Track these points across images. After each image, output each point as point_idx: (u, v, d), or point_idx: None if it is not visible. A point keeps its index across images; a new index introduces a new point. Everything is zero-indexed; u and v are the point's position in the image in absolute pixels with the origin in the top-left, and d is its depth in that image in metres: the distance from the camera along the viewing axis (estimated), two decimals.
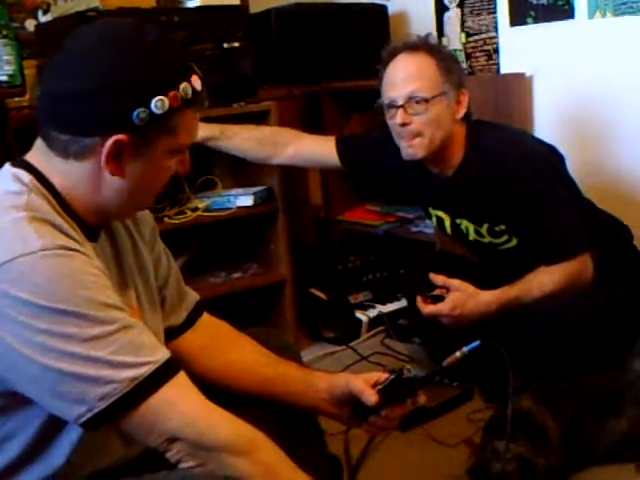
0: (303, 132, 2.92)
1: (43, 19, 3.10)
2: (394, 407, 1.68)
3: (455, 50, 3.63)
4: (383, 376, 1.69)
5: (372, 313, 3.36)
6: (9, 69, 2.74)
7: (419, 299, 2.45)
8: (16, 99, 2.85)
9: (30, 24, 3.11)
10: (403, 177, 2.67)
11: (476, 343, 1.65)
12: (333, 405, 1.74)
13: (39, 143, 1.44)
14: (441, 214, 2.65)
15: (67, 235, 1.35)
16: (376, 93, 3.61)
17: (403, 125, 2.42)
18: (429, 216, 2.75)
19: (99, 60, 1.36)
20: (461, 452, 2.27)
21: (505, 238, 2.47)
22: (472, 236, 2.56)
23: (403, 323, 3.27)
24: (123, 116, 1.34)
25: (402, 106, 2.41)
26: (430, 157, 2.47)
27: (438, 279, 2.42)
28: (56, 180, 1.41)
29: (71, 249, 1.31)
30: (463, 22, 3.60)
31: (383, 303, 3.42)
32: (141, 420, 1.33)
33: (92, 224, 1.46)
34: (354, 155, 2.79)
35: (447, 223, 2.64)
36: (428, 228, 3.41)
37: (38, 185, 1.39)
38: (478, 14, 3.52)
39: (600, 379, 2.19)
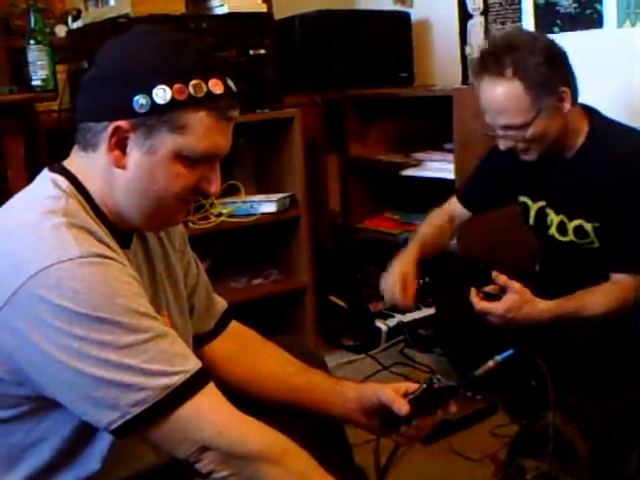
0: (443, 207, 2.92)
1: (73, 25, 3.10)
2: (425, 417, 1.67)
3: None
4: (412, 386, 1.67)
5: (392, 322, 3.35)
6: (43, 74, 2.76)
7: (473, 292, 2.41)
8: (45, 103, 2.87)
9: (60, 30, 3.12)
10: (513, 172, 2.63)
11: (509, 352, 1.61)
12: (362, 415, 1.72)
13: (75, 148, 1.45)
14: (529, 202, 2.62)
15: (103, 242, 1.35)
16: (397, 100, 3.64)
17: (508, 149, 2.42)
18: (515, 201, 2.71)
19: (114, 51, 1.41)
20: (484, 467, 2.25)
21: (589, 240, 2.45)
22: (552, 230, 2.53)
23: (423, 333, 3.26)
24: (125, 101, 1.34)
25: (501, 136, 2.40)
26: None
27: (500, 278, 2.38)
28: (90, 184, 1.42)
29: (107, 257, 1.32)
30: (487, 30, 3.59)
31: (402, 313, 3.39)
32: (172, 429, 1.32)
33: (124, 230, 1.46)
34: (472, 198, 2.81)
35: (532, 212, 2.61)
36: None
37: (74, 191, 1.40)
38: (503, 22, 3.50)
39: (630, 398, 2.17)
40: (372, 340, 3.29)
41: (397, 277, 2.64)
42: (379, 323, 3.34)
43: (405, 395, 1.66)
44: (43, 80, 2.77)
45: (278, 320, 3.27)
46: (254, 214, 3.08)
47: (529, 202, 2.61)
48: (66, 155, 1.48)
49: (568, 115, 2.39)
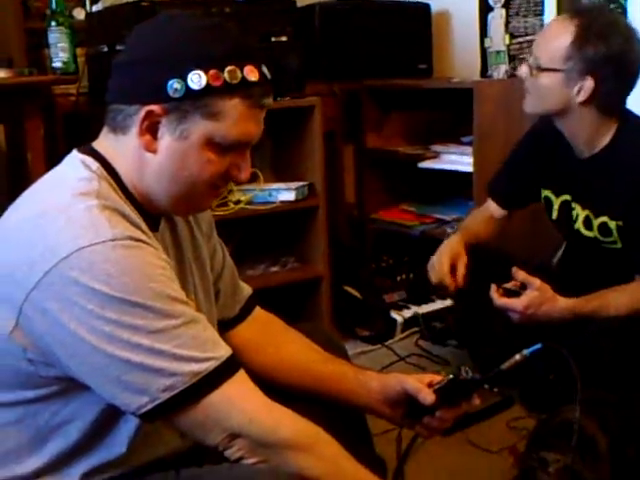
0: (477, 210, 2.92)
1: (92, 8, 3.10)
2: (448, 409, 1.66)
3: (498, 51, 3.62)
4: (437, 377, 1.67)
5: (407, 313, 3.35)
6: (63, 56, 2.76)
7: (493, 288, 2.41)
8: (62, 87, 2.86)
9: (78, 13, 3.12)
10: (536, 165, 2.63)
11: (538, 346, 1.60)
12: (385, 405, 1.71)
13: (104, 130, 1.45)
14: (551, 195, 2.60)
15: (135, 225, 1.35)
16: (416, 91, 3.63)
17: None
18: (538, 196, 2.68)
19: (149, 34, 1.41)
20: (501, 459, 2.25)
21: (612, 239, 2.42)
22: (578, 225, 2.51)
23: (438, 326, 3.26)
24: (159, 85, 1.33)
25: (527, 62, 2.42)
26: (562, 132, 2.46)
27: (519, 274, 2.37)
28: (119, 166, 1.41)
29: (141, 240, 1.32)
30: (508, 23, 3.57)
31: (418, 304, 3.41)
32: (202, 416, 1.32)
33: (153, 213, 1.45)
34: (503, 195, 2.78)
35: (555, 206, 2.59)
36: None
37: (104, 173, 1.40)
38: (524, 15, 3.49)
39: None
40: (386, 331, 3.29)
41: (447, 257, 2.60)
42: (394, 314, 3.33)
43: (430, 385, 1.65)
44: (64, 62, 2.77)
45: (294, 309, 3.26)
46: (273, 202, 3.08)
47: (552, 196, 2.60)
48: (83, 138, 1.47)
49: (583, 108, 2.36)
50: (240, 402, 1.35)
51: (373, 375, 1.76)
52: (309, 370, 1.73)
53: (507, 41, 3.58)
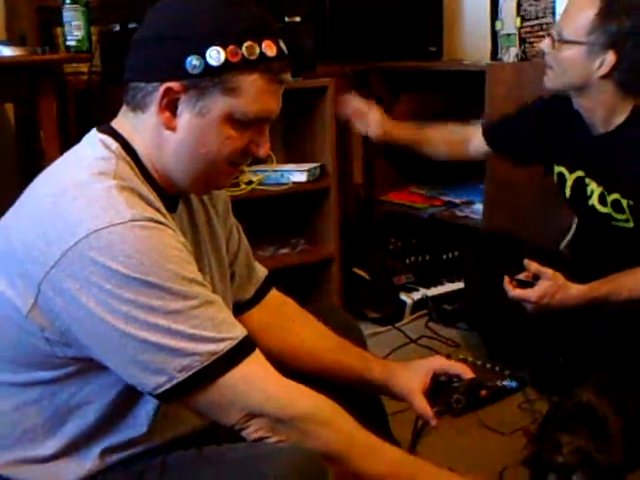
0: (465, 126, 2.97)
1: None
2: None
3: (509, 34, 3.61)
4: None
5: (416, 295, 3.36)
6: (78, 34, 2.73)
7: (506, 280, 2.43)
8: (74, 65, 2.86)
9: None
10: (543, 129, 2.65)
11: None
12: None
13: (123, 109, 1.45)
14: (565, 172, 2.60)
15: (153, 206, 1.35)
16: (426, 74, 3.62)
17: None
18: (550, 172, 2.69)
19: (167, 10, 1.40)
20: (513, 440, 2.25)
21: (625, 217, 2.43)
22: (593, 201, 2.51)
23: (447, 308, 3.26)
24: (177, 62, 1.34)
25: (550, 35, 2.42)
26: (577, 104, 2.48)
27: (532, 266, 2.40)
28: (138, 146, 1.41)
29: (159, 222, 1.32)
30: (519, 5, 3.55)
31: (427, 287, 3.42)
32: (219, 396, 1.33)
33: (171, 194, 1.46)
34: (497, 136, 2.81)
35: (569, 182, 2.59)
36: (475, 213, 3.41)
37: (123, 153, 1.40)
38: None
39: None
40: (395, 313, 3.30)
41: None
42: (404, 296, 3.34)
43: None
44: (78, 41, 2.73)
45: (304, 290, 3.26)
46: (285, 183, 3.08)
47: (566, 173, 2.60)
48: (94, 117, 1.47)
49: (602, 83, 2.37)
50: (256, 381, 1.36)
51: (379, 370, 1.79)
52: (317, 358, 1.75)
53: (518, 24, 3.56)
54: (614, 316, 2.29)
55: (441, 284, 3.44)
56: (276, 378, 1.39)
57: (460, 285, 3.21)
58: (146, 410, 1.41)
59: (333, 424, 1.41)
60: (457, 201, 3.56)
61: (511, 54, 3.59)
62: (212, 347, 1.30)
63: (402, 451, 1.61)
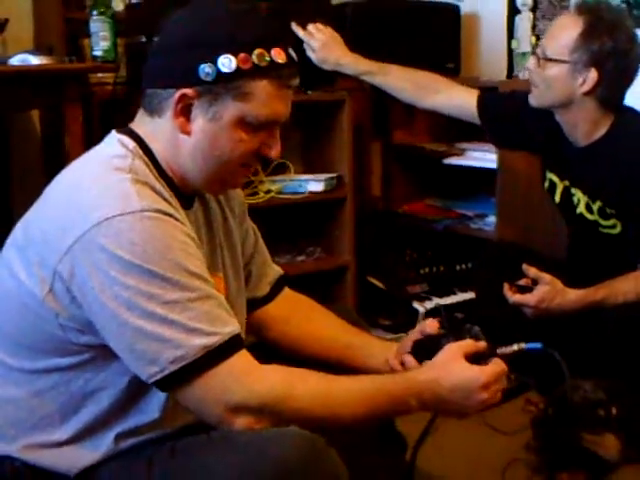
0: (453, 82, 2.99)
1: (132, 0, 3.19)
2: None
3: (524, 53, 3.68)
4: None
5: (429, 305, 3.41)
6: (104, 45, 2.81)
7: (506, 286, 2.50)
8: (99, 75, 2.93)
9: (117, 4, 3.16)
10: (536, 129, 2.70)
11: (538, 345, 1.68)
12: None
13: (140, 113, 1.53)
14: (556, 179, 2.67)
15: (165, 200, 1.41)
16: None
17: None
18: (544, 178, 2.75)
19: (181, 21, 1.47)
20: (516, 440, 2.32)
21: (611, 223, 2.51)
22: (580, 209, 2.58)
23: (459, 317, 3.31)
24: (191, 70, 1.40)
25: (535, 54, 2.50)
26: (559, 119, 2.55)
27: (530, 271, 2.46)
28: (155, 146, 1.48)
29: (167, 214, 1.38)
30: (535, 25, 3.63)
31: (440, 296, 3.47)
32: (206, 388, 1.37)
33: (186, 192, 1.52)
34: (491, 109, 2.83)
35: (559, 190, 2.66)
36: (488, 226, 3.47)
37: (140, 152, 1.47)
38: (550, 19, 3.54)
39: None
40: (409, 321, 3.34)
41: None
42: (417, 305, 3.40)
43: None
44: (104, 51, 2.81)
45: (318, 298, 3.31)
46: (302, 193, 3.15)
47: (556, 180, 2.67)
48: (119, 125, 1.55)
49: (586, 100, 2.43)
50: (241, 376, 1.39)
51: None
52: (337, 340, 1.81)
53: (533, 42, 3.64)
54: (616, 319, 2.34)
55: (454, 294, 3.50)
56: (258, 372, 1.41)
57: (472, 295, 3.26)
58: (158, 397, 1.46)
59: (293, 392, 1.41)
60: (471, 214, 3.63)
61: (526, 72, 3.65)
62: (204, 340, 1.34)
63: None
